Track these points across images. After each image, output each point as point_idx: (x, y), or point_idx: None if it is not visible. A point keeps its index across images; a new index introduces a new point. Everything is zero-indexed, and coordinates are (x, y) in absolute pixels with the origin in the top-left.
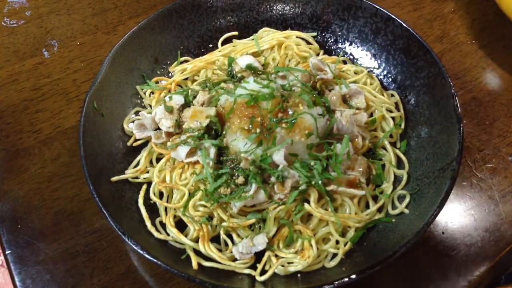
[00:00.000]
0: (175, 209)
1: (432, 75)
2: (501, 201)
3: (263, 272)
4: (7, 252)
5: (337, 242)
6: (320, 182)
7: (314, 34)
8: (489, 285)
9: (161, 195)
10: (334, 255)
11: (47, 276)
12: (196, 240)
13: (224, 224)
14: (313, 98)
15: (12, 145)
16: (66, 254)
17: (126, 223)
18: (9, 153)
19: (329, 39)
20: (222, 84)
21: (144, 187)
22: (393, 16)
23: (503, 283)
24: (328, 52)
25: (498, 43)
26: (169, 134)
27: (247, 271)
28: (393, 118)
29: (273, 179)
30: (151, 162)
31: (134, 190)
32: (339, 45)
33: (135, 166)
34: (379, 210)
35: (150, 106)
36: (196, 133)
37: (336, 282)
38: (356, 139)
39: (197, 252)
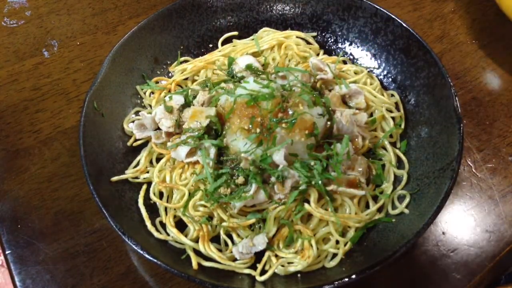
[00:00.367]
0: (175, 209)
1: (432, 75)
2: (501, 201)
3: (263, 272)
4: (7, 252)
5: (337, 242)
6: (320, 182)
7: (314, 34)
8: (489, 285)
9: (161, 195)
10: (334, 255)
11: (47, 276)
12: (196, 240)
13: (224, 224)
14: (313, 98)
15: (12, 145)
16: (66, 254)
17: (126, 223)
18: (9, 153)
19: (329, 39)
20: (222, 84)
21: (144, 187)
22: (393, 16)
23: (503, 283)
24: (328, 52)
25: (498, 43)
26: (169, 134)
27: (247, 271)
28: (393, 118)
29: (273, 179)
30: (151, 162)
31: (134, 190)
32: (339, 45)
33: (135, 166)
34: (379, 210)
35: (150, 106)
36: (196, 133)
37: (336, 282)
38: (356, 139)
39: (197, 252)
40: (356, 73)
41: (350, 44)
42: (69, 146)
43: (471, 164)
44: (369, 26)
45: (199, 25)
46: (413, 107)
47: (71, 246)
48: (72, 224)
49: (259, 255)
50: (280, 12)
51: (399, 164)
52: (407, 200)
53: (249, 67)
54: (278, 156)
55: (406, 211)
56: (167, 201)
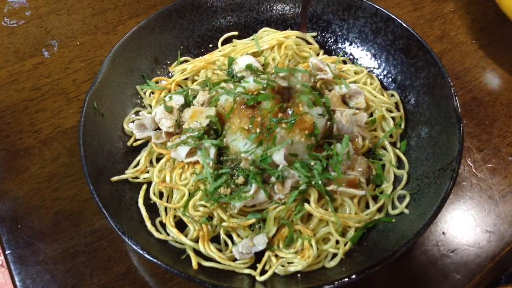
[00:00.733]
0: (175, 209)
1: (432, 75)
2: (501, 201)
3: (263, 272)
4: (7, 252)
5: (337, 242)
6: (320, 182)
7: (314, 34)
8: (489, 285)
9: (161, 195)
10: (334, 255)
11: (47, 276)
12: (196, 240)
13: (224, 224)
14: (313, 99)
15: (12, 145)
16: (66, 254)
17: (126, 223)
18: (9, 153)
19: (329, 39)
20: (222, 84)
21: (144, 187)
22: (393, 16)
23: (503, 283)
24: (328, 52)
25: (498, 43)
26: (169, 134)
27: (247, 271)
28: (393, 118)
29: (273, 179)
30: (151, 162)
31: (134, 190)
32: (339, 45)
33: (135, 166)
34: (379, 210)
35: (150, 106)
36: (196, 133)
37: (336, 282)
38: (356, 139)
39: (197, 252)
40: (356, 73)
41: (350, 44)
42: (69, 146)
43: (471, 164)
44: (369, 26)
45: (199, 25)
46: (413, 107)
47: (71, 246)
48: (72, 224)
49: (259, 255)
50: (280, 12)
51: (399, 164)
52: (407, 200)
53: (249, 67)
54: (278, 156)
55: (406, 211)
56: (167, 201)
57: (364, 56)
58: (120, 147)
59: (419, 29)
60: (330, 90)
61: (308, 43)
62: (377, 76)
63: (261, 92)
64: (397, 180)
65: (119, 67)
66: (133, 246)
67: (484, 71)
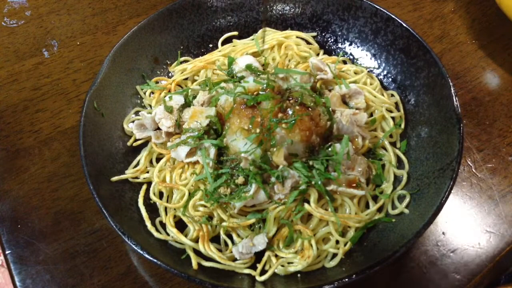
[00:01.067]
0: (175, 209)
1: (432, 75)
2: (501, 201)
3: (263, 272)
4: (7, 252)
5: (337, 242)
6: (320, 182)
7: (314, 34)
8: (489, 285)
9: (161, 195)
10: (334, 255)
11: (47, 276)
12: (196, 240)
13: (224, 224)
14: (313, 99)
15: (12, 145)
16: (66, 254)
17: (126, 223)
18: (9, 153)
19: (329, 39)
20: (222, 84)
21: (144, 187)
22: (393, 16)
23: (503, 283)
24: (328, 52)
25: (498, 43)
26: (169, 134)
27: (247, 271)
28: (393, 118)
29: (273, 179)
30: (151, 162)
31: (134, 190)
32: (339, 45)
33: (135, 166)
34: (379, 210)
35: (150, 106)
36: (196, 133)
37: (336, 282)
38: (356, 139)
39: (197, 252)
40: (356, 73)
41: (350, 44)
42: (69, 146)
43: (471, 164)
44: (369, 26)
45: (199, 25)
46: (413, 107)
47: (71, 246)
48: (72, 224)
49: (259, 255)
50: (280, 12)
51: (399, 164)
52: (407, 200)
53: (249, 67)
54: (278, 156)
55: (406, 211)
56: (167, 201)
57: (364, 56)
58: (120, 147)
59: (419, 29)
60: (330, 90)
61: (308, 43)
62: (377, 76)
63: (261, 92)
64: (397, 180)
65: (119, 67)
66: (133, 246)
67: (484, 71)
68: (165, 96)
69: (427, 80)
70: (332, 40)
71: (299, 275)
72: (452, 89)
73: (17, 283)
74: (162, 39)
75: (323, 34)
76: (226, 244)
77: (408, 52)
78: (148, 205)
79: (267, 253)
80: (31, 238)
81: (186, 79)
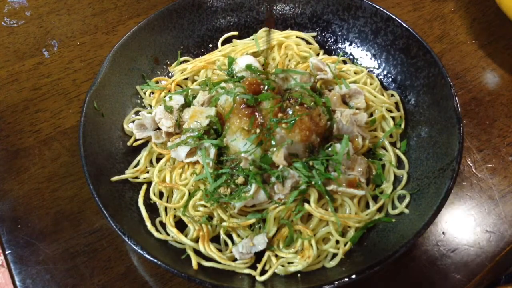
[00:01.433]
0: (175, 209)
1: (432, 75)
2: (501, 201)
3: (263, 272)
4: (7, 252)
5: (337, 242)
6: (320, 182)
7: (314, 34)
8: (489, 285)
9: (161, 195)
10: (334, 255)
11: (47, 276)
12: (196, 240)
13: (224, 224)
14: (313, 99)
15: (12, 145)
16: (66, 254)
17: (126, 223)
18: (9, 153)
19: (329, 39)
20: (222, 84)
21: (144, 187)
22: (393, 16)
23: (503, 283)
24: (328, 52)
25: (498, 43)
26: (169, 134)
27: (247, 271)
28: (393, 118)
29: (273, 179)
30: (151, 162)
31: (134, 190)
32: (339, 45)
33: (135, 166)
34: (379, 210)
35: (150, 106)
36: (196, 133)
37: (336, 282)
38: (356, 139)
39: (197, 252)
40: (356, 73)
41: (350, 44)
42: (69, 146)
43: (471, 164)
44: (369, 26)
45: (199, 25)
46: (413, 107)
47: (71, 246)
48: (72, 224)
49: (259, 255)
50: (280, 12)
51: (399, 164)
52: (407, 200)
53: (249, 67)
54: (278, 156)
55: (406, 211)
56: (167, 201)
57: (364, 56)
58: (120, 147)
59: (419, 29)
60: (330, 90)
61: (308, 43)
62: (377, 76)
63: (263, 92)
64: (397, 180)
65: (119, 67)
66: (133, 246)
67: (484, 71)
68: (165, 96)
69: (427, 80)
70: (332, 40)
71: (299, 275)
72: (452, 89)
73: (17, 283)
74: (162, 39)
75: (323, 34)
76: (226, 244)
77: (408, 52)
78: (148, 205)
79: (267, 253)
80: (31, 238)
81: (186, 79)
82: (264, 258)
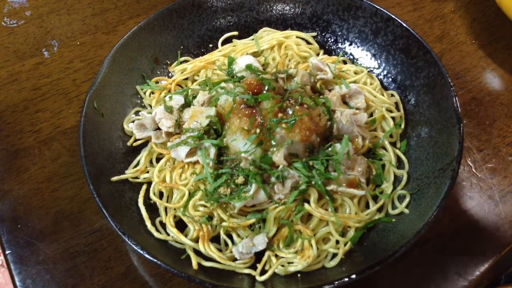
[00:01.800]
0: (175, 209)
1: (432, 75)
2: (501, 201)
3: (263, 272)
4: (7, 252)
5: (337, 242)
6: (320, 182)
7: (314, 34)
8: (489, 285)
9: (161, 195)
10: (334, 255)
11: (47, 276)
12: (196, 240)
13: (224, 224)
14: (313, 99)
15: (12, 145)
16: (66, 254)
17: (126, 223)
18: (9, 153)
19: (329, 39)
20: (222, 84)
21: (144, 187)
22: (393, 16)
23: (503, 283)
24: (328, 52)
25: (498, 43)
26: (169, 134)
27: (247, 271)
28: (393, 118)
29: (273, 179)
30: (151, 162)
31: (134, 190)
32: (339, 45)
33: (135, 166)
34: (379, 210)
35: (150, 106)
36: (196, 133)
37: (336, 282)
38: (356, 139)
39: (197, 252)
40: (356, 73)
41: (350, 44)
42: (69, 146)
43: (471, 164)
44: (369, 26)
45: (199, 25)
46: (413, 107)
47: (71, 246)
48: (72, 224)
49: (259, 255)
50: (280, 12)
51: (399, 164)
52: (407, 200)
53: (249, 67)
54: (278, 156)
55: (406, 211)
56: (167, 201)
57: (364, 56)
58: (120, 147)
59: (419, 29)
60: (330, 90)
61: (308, 43)
62: (377, 76)
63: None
64: (397, 180)
65: (119, 67)
66: (133, 246)
67: (484, 71)
68: (165, 96)
69: (427, 80)
70: (332, 40)
71: (299, 275)
72: (452, 89)
73: (17, 283)
74: (162, 39)
75: (323, 34)
76: (226, 244)
77: (408, 52)
78: (148, 205)
79: (267, 253)
80: (31, 238)
81: (186, 79)
82: (264, 258)
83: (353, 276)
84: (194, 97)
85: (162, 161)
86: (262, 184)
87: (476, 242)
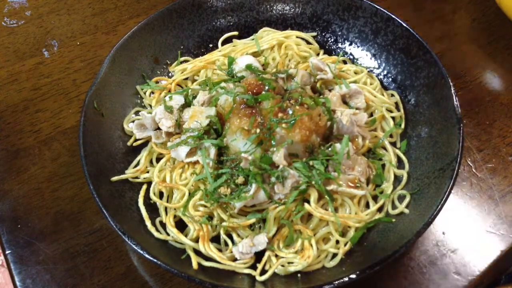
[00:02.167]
0: (175, 209)
1: (432, 75)
2: (501, 201)
3: (263, 272)
4: (7, 252)
5: (337, 242)
6: (320, 182)
7: (314, 34)
8: (489, 285)
9: (161, 195)
10: (334, 255)
11: (47, 276)
12: (196, 240)
13: (224, 224)
14: (313, 100)
15: (12, 145)
16: (66, 254)
17: (126, 223)
18: (9, 153)
19: (329, 39)
20: (222, 84)
21: (144, 187)
22: (393, 16)
23: (503, 283)
24: (328, 52)
25: (498, 43)
26: (169, 134)
27: (247, 271)
28: (393, 118)
29: (273, 179)
30: (151, 162)
31: (134, 190)
32: (339, 45)
33: (135, 166)
34: (379, 210)
35: (150, 106)
36: (196, 133)
37: (336, 282)
38: (356, 139)
39: (197, 252)
40: (356, 73)
41: (350, 44)
42: (69, 146)
43: (471, 164)
44: (369, 26)
45: (199, 25)
46: (413, 107)
47: (71, 246)
48: (72, 224)
49: (259, 255)
50: (280, 12)
51: (399, 164)
52: (407, 200)
53: (249, 67)
54: (278, 156)
55: (406, 211)
56: (167, 201)
57: (364, 56)
58: (120, 147)
59: (419, 29)
60: (330, 90)
61: (308, 43)
62: (377, 76)
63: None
64: (397, 180)
65: (119, 67)
66: (133, 246)
67: (484, 71)
68: (165, 96)
69: (427, 80)
70: (332, 40)
71: (299, 275)
72: (452, 89)
73: (17, 283)
74: (162, 39)
75: (323, 34)
76: (226, 244)
77: (408, 52)
78: (148, 205)
79: (267, 253)
80: (31, 238)
81: (186, 79)
82: (264, 258)
83: (353, 276)
84: (194, 97)
85: (162, 161)
86: (262, 184)
87: (476, 242)
